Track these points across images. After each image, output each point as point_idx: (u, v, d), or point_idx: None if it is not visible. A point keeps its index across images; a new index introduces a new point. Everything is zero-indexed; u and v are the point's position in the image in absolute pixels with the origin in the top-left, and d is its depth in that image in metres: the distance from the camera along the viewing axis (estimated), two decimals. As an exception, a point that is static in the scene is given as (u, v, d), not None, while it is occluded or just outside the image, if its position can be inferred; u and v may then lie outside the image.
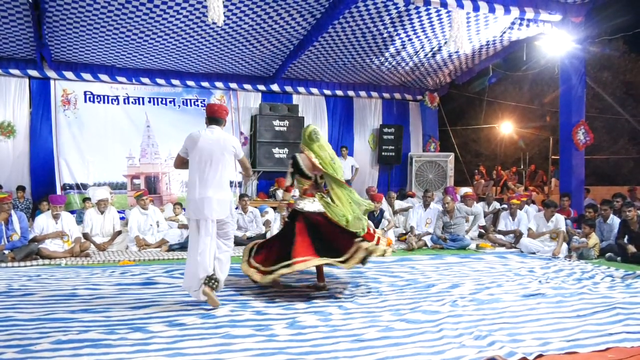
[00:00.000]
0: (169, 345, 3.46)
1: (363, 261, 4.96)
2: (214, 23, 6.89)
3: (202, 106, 11.80)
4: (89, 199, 9.61)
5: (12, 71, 10.35)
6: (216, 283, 4.47)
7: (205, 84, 11.74)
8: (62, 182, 10.64)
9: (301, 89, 12.58)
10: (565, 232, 7.88)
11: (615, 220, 7.80)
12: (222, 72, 11.76)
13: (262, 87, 12.24)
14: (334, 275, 6.03)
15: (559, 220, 8.00)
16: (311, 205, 5.13)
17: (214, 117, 4.66)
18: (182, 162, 4.73)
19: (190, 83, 11.64)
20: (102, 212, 8.13)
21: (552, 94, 19.08)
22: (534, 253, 7.78)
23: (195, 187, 4.50)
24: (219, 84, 11.85)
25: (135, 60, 10.71)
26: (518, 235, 8.50)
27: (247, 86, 12.12)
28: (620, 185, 16.85)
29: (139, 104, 11.37)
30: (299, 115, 12.19)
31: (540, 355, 3.32)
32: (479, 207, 9.89)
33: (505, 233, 9.01)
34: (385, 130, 13.04)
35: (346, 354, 3.35)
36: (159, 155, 11.44)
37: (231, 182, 11.86)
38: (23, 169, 10.63)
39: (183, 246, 7.77)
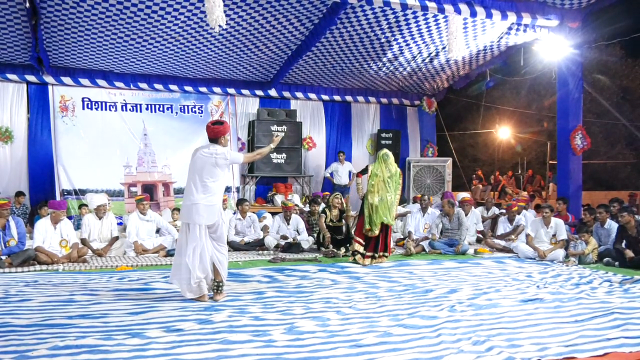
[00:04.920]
0: (167, 351, 3.45)
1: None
2: (212, 29, 6.90)
3: (199, 113, 11.81)
4: (85, 205, 9.60)
5: (9, 76, 10.35)
6: (221, 284, 5.03)
7: (203, 89, 11.75)
8: (60, 187, 10.63)
9: (299, 94, 12.60)
10: (566, 239, 7.81)
11: (613, 225, 7.79)
12: (220, 78, 11.77)
13: (260, 93, 12.25)
14: (335, 280, 6.03)
15: (559, 226, 7.91)
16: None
17: (210, 137, 5.16)
18: None
19: (188, 88, 11.64)
20: (100, 218, 8.12)
21: (549, 99, 19.14)
22: (532, 259, 7.76)
23: (188, 194, 5.05)
24: (216, 89, 11.86)
25: (133, 66, 10.71)
26: (519, 233, 8.56)
27: (245, 91, 12.14)
28: (617, 190, 16.90)
29: (137, 111, 11.36)
30: (297, 120, 12.21)
31: (538, 361, 3.33)
32: (476, 212, 9.88)
33: (504, 236, 9.01)
34: (383, 135, 13.06)
35: (344, 359, 3.35)
36: (156, 164, 11.42)
37: (229, 188, 11.92)
38: (21, 175, 10.62)
39: (181, 252, 7.75)
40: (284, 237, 8.66)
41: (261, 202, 11.84)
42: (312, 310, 4.53)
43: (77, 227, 8.50)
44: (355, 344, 3.61)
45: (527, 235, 8.09)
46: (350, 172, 12.40)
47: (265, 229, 9.03)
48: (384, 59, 11.04)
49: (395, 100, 13.51)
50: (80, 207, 9.63)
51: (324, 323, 4.10)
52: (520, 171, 18.74)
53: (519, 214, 9.20)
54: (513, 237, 8.78)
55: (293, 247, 8.27)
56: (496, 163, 21.48)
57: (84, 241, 7.78)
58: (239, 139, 12.18)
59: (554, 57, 9.87)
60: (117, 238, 8.20)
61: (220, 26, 6.78)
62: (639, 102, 20.01)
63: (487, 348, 3.49)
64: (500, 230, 9.27)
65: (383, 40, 10.07)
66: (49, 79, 10.61)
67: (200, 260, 4.93)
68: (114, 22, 8.67)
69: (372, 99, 13.28)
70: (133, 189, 11.19)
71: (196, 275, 4.91)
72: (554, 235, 7.88)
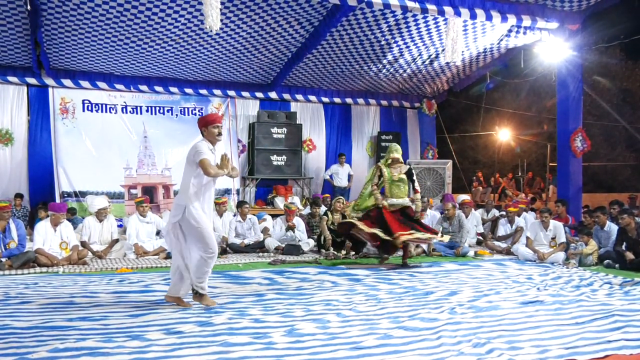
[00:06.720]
0: (167, 353, 3.45)
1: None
2: (210, 30, 6.90)
3: (199, 115, 11.78)
4: (73, 208, 9.63)
5: (10, 79, 10.33)
6: (197, 293, 4.79)
7: (203, 91, 11.74)
8: (60, 190, 10.62)
9: (299, 97, 12.59)
10: (566, 242, 7.81)
11: (612, 227, 7.79)
12: (220, 80, 11.77)
13: (260, 95, 12.24)
14: (335, 282, 6.02)
15: (558, 229, 7.90)
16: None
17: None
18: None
19: (189, 91, 11.63)
20: (100, 221, 8.12)
21: (549, 101, 19.16)
22: (532, 261, 7.75)
23: None
24: (217, 92, 11.85)
25: (133, 68, 10.72)
26: (518, 235, 8.58)
27: (245, 94, 12.13)
28: (617, 192, 16.90)
29: (137, 113, 11.34)
30: (297, 122, 12.21)
31: (539, 363, 3.32)
32: (476, 214, 9.88)
33: (504, 238, 9.01)
34: (383, 137, 13.06)
35: (345, 361, 3.35)
36: (156, 167, 11.41)
37: (229, 190, 11.89)
38: (21, 177, 10.60)
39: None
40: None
41: (261, 204, 11.84)
42: (313, 313, 4.53)
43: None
44: (355, 346, 3.61)
45: (527, 238, 8.09)
46: (349, 174, 12.40)
47: (265, 231, 9.02)
48: (384, 61, 11.05)
49: (395, 103, 13.51)
50: (69, 210, 9.58)
51: (324, 325, 4.10)
52: (520, 173, 18.75)
53: (519, 215, 9.20)
54: (509, 244, 8.75)
55: (293, 249, 8.27)
56: (496, 165, 21.51)
57: (84, 243, 7.78)
58: (239, 140, 12.18)
59: (554, 59, 9.87)
60: (117, 240, 8.20)
61: (213, 30, 6.77)
62: (639, 104, 20.03)
63: (488, 350, 3.49)
64: (501, 232, 9.27)
65: (383, 42, 10.08)
66: (49, 81, 10.60)
67: (173, 261, 4.88)
68: (115, 24, 8.67)
69: (372, 101, 13.27)
70: (133, 191, 11.16)
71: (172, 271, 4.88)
72: (553, 239, 7.87)
